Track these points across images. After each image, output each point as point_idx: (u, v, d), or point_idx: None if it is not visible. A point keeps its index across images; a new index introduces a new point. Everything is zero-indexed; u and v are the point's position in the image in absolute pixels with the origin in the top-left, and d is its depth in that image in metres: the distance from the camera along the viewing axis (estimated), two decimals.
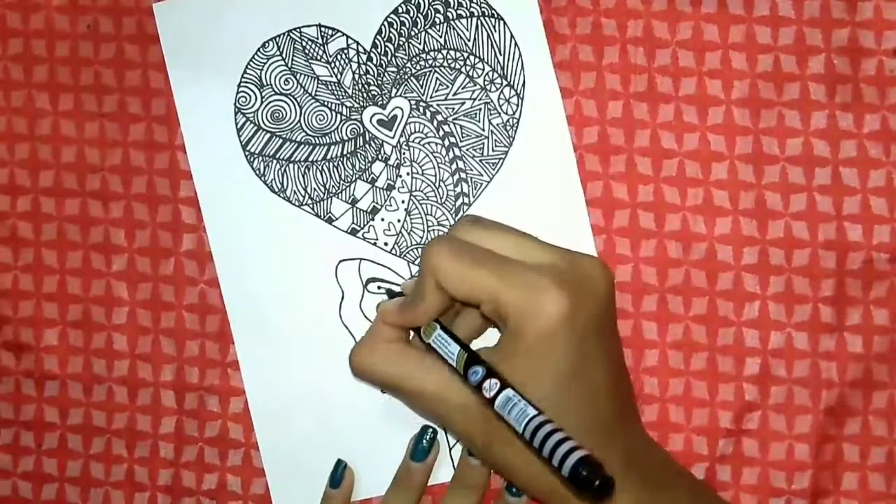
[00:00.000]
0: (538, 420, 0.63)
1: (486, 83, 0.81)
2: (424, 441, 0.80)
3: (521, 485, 0.75)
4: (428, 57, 0.82)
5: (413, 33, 0.82)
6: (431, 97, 0.82)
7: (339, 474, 0.81)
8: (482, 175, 0.81)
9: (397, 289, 0.80)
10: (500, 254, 0.70)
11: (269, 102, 0.83)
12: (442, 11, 0.82)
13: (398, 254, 0.82)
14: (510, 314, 0.68)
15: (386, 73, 0.82)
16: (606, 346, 0.72)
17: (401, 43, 0.82)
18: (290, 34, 0.83)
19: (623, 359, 0.76)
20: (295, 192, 0.82)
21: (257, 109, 0.83)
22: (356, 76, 0.83)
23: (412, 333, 0.76)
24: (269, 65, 0.83)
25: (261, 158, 0.83)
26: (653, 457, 0.75)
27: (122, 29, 0.84)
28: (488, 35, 0.81)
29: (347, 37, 0.83)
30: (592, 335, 0.69)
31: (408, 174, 0.82)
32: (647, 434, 0.76)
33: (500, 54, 0.81)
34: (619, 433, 0.71)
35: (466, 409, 0.70)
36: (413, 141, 0.82)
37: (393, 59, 0.82)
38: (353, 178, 0.82)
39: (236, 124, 0.83)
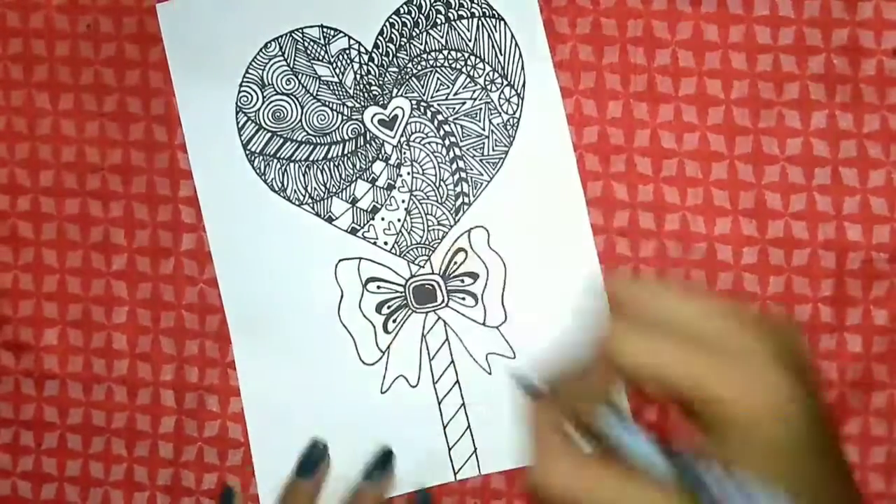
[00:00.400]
0: None
1: (487, 83, 0.82)
2: (313, 456, 0.81)
3: None
4: (429, 57, 0.82)
5: (414, 34, 0.82)
6: (432, 97, 0.82)
7: (314, 460, 0.81)
8: (482, 175, 0.81)
9: (534, 381, 0.63)
10: (682, 322, 0.56)
11: (271, 102, 0.83)
12: (443, 12, 0.82)
13: (398, 253, 0.82)
14: (724, 402, 0.53)
15: (387, 73, 0.82)
16: (822, 400, 0.58)
17: (402, 43, 0.82)
18: (292, 34, 0.83)
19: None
20: (295, 191, 0.83)
21: (259, 109, 0.83)
22: (357, 76, 0.83)
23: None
24: (271, 65, 0.83)
25: (261, 158, 0.83)
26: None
27: (123, 29, 0.84)
28: (489, 35, 0.82)
29: (349, 37, 0.83)
30: (814, 397, 0.56)
31: (408, 174, 0.82)
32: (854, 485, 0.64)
33: (501, 54, 0.81)
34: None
35: None
36: (414, 140, 0.82)
37: (394, 59, 0.82)
38: (354, 178, 0.82)
39: (237, 123, 0.83)
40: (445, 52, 0.82)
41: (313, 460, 0.80)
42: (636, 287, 0.58)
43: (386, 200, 0.82)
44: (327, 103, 0.83)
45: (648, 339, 0.55)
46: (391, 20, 0.83)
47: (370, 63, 0.83)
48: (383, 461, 0.80)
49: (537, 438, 0.60)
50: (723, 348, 0.54)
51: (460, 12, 0.82)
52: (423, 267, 0.82)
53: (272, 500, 0.82)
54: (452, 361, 0.82)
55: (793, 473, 0.53)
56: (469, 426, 0.81)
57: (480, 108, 0.82)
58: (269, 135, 0.83)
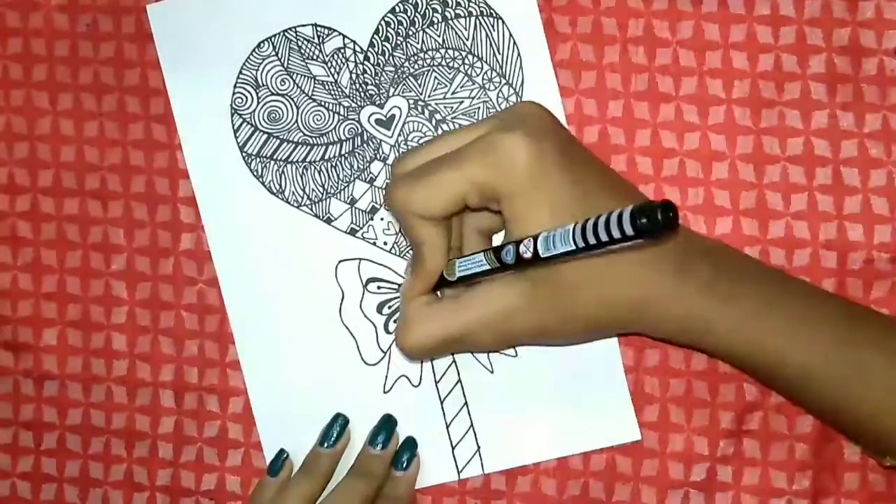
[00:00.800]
0: (578, 226, 0.62)
1: (485, 82, 0.81)
2: (335, 428, 0.81)
3: (606, 324, 0.73)
4: (426, 56, 0.82)
5: (411, 32, 0.82)
6: (430, 96, 0.82)
7: (338, 432, 0.81)
8: None
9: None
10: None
11: (266, 103, 0.83)
12: (440, 11, 0.82)
13: (398, 253, 0.82)
14: (491, 183, 0.68)
15: (383, 73, 0.82)
16: (589, 159, 0.73)
17: (398, 42, 0.82)
18: (286, 34, 0.83)
19: (609, 168, 0.75)
20: (293, 192, 0.82)
21: (254, 110, 0.83)
22: (353, 76, 0.82)
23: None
24: (265, 65, 0.83)
25: (258, 159, 0.83)
26: (703, 241, 0.75)
27: (122, 28, 0.84)
28: (487, 34, 0.81)
29: (344, 36, 0.83)
30: (569, 155, 0.70)
31: None
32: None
33: (499, 53, 0.81)
34: None
35: (526, 297, 0.70)
36: (411, 140, 0.82)
37: (390, 58, 0.82)
38: (352, 178, 0.82)
39: (233, 125, 0.83)
40: (443, 51, 0.82)
41: (336, 431, 0.80)
42: (404, 156, 0.73)
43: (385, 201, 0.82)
44: (323, 103, 0.82)
45: (409, 180, 0.70)
46: (387, 19, 0.82)
47: (366, 62, 0.82)
48: (386, 426, 0.80)
49: (400, 313, 0.76)
50: (463, 149, 0.70)
51: (457, 11, 0.82)
52: None
53: None
54: (454, 361, 0.82)
55: (558, 209, 0.68)
56: (472, 425, 0.81)
57: (479, 107, 0.81)
58: (265, 136, 0.83)
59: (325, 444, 0.80)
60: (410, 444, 0.81)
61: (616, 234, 0.59)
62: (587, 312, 0.71)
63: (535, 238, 0.65)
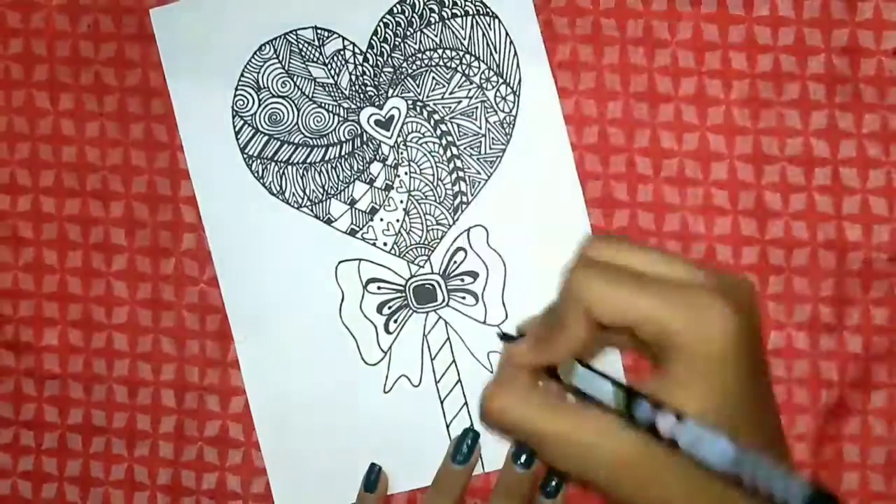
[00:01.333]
0: (735, 453, 0.57)
1: (483, 81, 0.81)
2: (466, 443, 0.80)
3: None
4: (424, 56, 0.82)
5: (408, 33, 0.82)
6: (428, 97, 0.82)
7: (374, 478, 0.81)
8: (480, 173, 0.81)
9: (511, 331, 0.73)
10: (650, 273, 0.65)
11: (267, 105, 0.83)
12: (437, 11, 0.82)
13: (398, 254, 0.82)
14: (679, 336, 0.61)
15: (382, 74, 0.82)
16: (765, 361, 0.67)
17: (396, 43, 0.82)
18: (286, 37, 0.83)
19: (773, 390, 0.69)
20: (294, 193, 0.83)
21: (255, 112, 0.83)
22: (353, 77, 0.83)
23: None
24: (266, 67, 0.83)
25: (259, 161, 0.83)
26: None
27: (123, 28, 0.84)
28: (484, 34, 0.82)
29: (343, 38, 0.83)
30: (756, 352, 0.64)
31: (406, 174, 0.82)
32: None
33: (496, 52, 0.81)
34: (785, 454, 0.67)
35: (631, 459, 0.62)
36: (410, 141, 0.82)
37: (389, 59, 0.82)
38: (352, 179, 0.82)
39: (234, 127, 0.83)
40: (440, 52, 0.82)
41: (467, 446, 0.79)
42: (601, 241, 0.67)
43: (384, 201, 0.82)
44: (323, 105, 0.83)
45: (606, 276, 0.63)
46: (385, 20, 0.82)
47: (365, 64, 0.83)
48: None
49: (499, 370, 0.70)
50: (674, 286, 0.63)
51: (454, 11, 0.82)
52: (423, 267, 0.82)
53: (285, 497, 0.83)
54: (454, 361, 0.82)
55: (727, 404, 0.61)
56: (472, 425, 0.81)
57: (477, 107, 0.82)
58: (266, 138, 0.83)
59: (457, 460, 0.80)
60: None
61: (768, 492, 0.55)
62: None
63: (681, 421, 0.59)
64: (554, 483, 0.79)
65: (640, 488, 0.63)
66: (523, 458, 0.78)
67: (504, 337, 0.72)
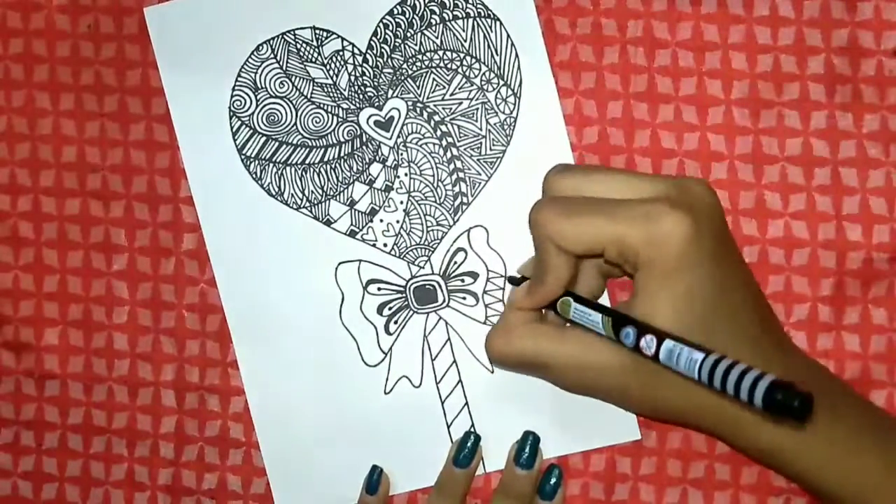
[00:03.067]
0: (710, 361, 0.62)
1: (483, 83, 0.81)
2: (467, 446, 0.80)
3: (684, 421, 0.75)
4: (424, 58, 0.82)
5: (409, 34, 0.82)
6: (428, 98, 0.82)
7: (375, 480, 0.81)
8: (480, 174, 0.81)
9: (517, 275, 0.80)
10: (607, 197, 0.71)
11: (265, 105, 0.83)
12: (438, 13, 0.82)
13: (398, 255, 0.82)
14: (638, 250, 0.68)
15: (382, 75, 0.82)
16: (736, 261, 0.73)
17: (397, 44, 0.82)
18: (284, 36, 0.83)
19: (753, 276, 0.75)
20: (292, 194, 0.82)
21: (252, 113, 0.83)
22: (352, 78, 0.83)
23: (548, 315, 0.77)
24: (264, 68, 0.83)
25: (257, 162, 0.83)
26: (818, 376, 0.75)
27: (123, 28, 0.84)
28: (485, 36, 0.81)
29: (342, 38, 0.83)
30: (721, 252, 0.70)
31: (406, 175, 0.82)
32: (806, 355, 0.77)
33: (497, 54, 0.81)
34: (772, 351, 0.71)
35: (621, 367, 0.70)
36: (410, 142, 0.82)
37: (389, 60, 0.82)
38: (351, 180, 0.82)
39: (231, 128, 0.83)
40: (441, 53, 0.82)
41: (468, 448, 0.80)
42: (562, 173, 0.74)
43: (384, 202, 0.82)
44: (322, 105, 0.83)
45: (560, 209, 0.70)
46: (385, 21, 0.82)
47: (364, 64, 0.83)
48: (531, 443, 0.80)
49: (502, 315, 0.77)
50: (626, 204, 0.69)
51: (455, 13, 0.82)
52: (424, 267, 0.82)
53: (285, 498, 0.83)
54: (455, 361, 0.82)
55: (696, 304, 0.68)
56: (472, 425, 0.81)
57: (477, 108, 0.81)
58: (263, 139, 0.83)
59: (459, 463, 0.80)
60: (557, 472, 0.80)
61: (744, 394, 0.59)
62: (675, 408, 0.72)
63: (660, 340, 0.66)
64: (552, 482, 0.79)
65: (632, 391, 0.72)
66: (525, 458, 0.78)
67: (512, 280, 0.80)
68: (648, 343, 0.66)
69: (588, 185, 0.72)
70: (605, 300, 0.79)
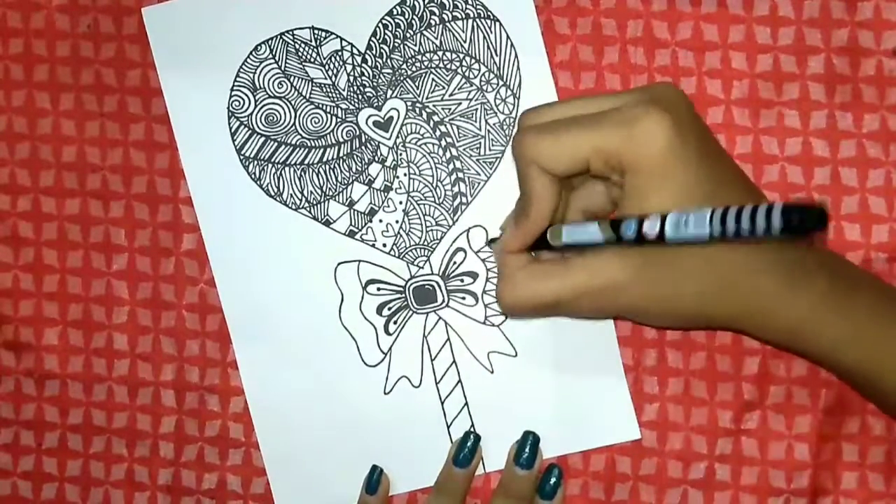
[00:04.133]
0: (719, 211, 0.61)
1: (483, 84, 0.81)
2: (467, 446, 0.80)
3: (704, 316, 0.72)
4: (423, 58, 0.82)
5: (408, 35, 0.82)
6: (427, 98, 0.82)
7: (375, 480, 0.81)
8: (479, 174, 0.81)
9: (495, 233, 0.80)
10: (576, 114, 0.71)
11: (263, 106, 0.83)
12: (437, 13, 0.82)
13: (397, 255, 0.82)
14: (621, 154, 0.68)
15: (381, 75, 0.82)
16: (720, 151, 0.73)
17: (396, 45, 0.82)
18: (283, 37, 0.83)
19: (740, 168, 0.75)
20: (291, 195, 0.82)
21: (251, 113, 0.83)
22: (351, 78, 0.83)
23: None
24: (262, 68, 0.83)
25: (256, 162, 0.83)
26: (831, 257, 0.75)
27: (123, 29, 0.84)
28: (484, 36, 0.81)
29: (341, 39, 0.83)
30: (705, 143, 0.70)
31: (405, 175, 0.82)
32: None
33: (496, 55, 0.81)
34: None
35: (633, 276, 0.70)
36: (410, 142, 0.82)
37: (388, 60, 0.82)
38: (350, 181, 0.82)
39: (230, 128, 0.83)
40: (440, 53, 0.82)
41: (468, 448, 0.80)
42: (534, 110, 0.74)
43: (383, 202, 0.82)
44: (321, 106, 0.83)
45: (541, 130, 0.70)
46: (384, 21, 0.82)
47: (363, 65, 0.82)
48: (531, 443, 0.80)
49: (499, 268, 0.76)
50: (603, 114, 0.69)
51: (455, 13, 0.82)
52: (423, 268, 0.82)
53: (285, 498, 0.83)
54: (454, 361, 0.82)
55: (687, 195, 0.68)
56: (472, 425, 0.81)
57: (476, 109, 0.81)
58: (262, 139, 0.83)
59: (458, 463, 0.80)
60: (557, 472, 0.80)
61: (761, 225, 0.58)
62: (694, 305, 0.71)
63: (663, 217, 0.64)
64: (552, 482, 0.79)
65: (650, 297, 0.71)
66: (524, 457, 0.78)
67: (492, 241, 0.81)
68: (652, 223, 0.65)
69: (562, 111, 0.72)
70: None
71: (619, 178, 0.69)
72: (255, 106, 0.83)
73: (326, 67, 0.83)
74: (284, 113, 0.83)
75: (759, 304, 0.70)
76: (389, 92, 0.82)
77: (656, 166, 0.67)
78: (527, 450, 0.79)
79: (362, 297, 0.82)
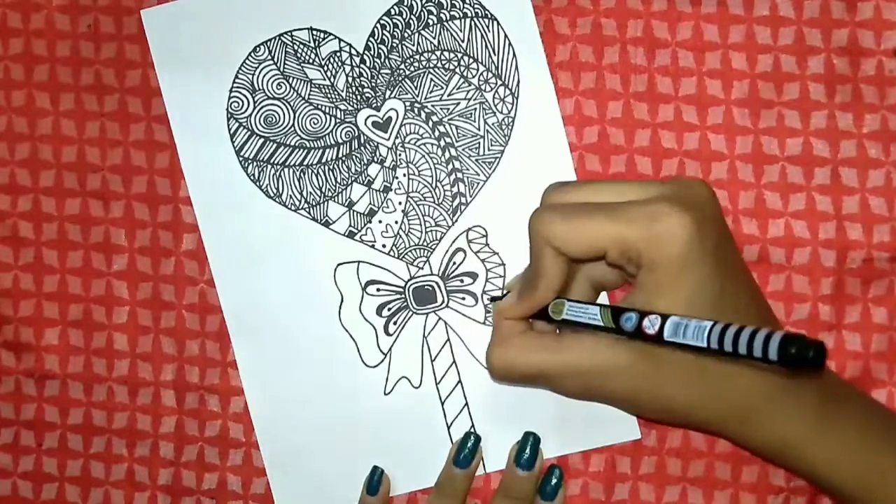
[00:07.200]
0: (719, 327, 0.61)
1: (481, 83, 0.81)
2: (468, 447, 0.80)
3: (689, 420, 0.74)
4: (422, 58, 0.82)
5: (406, 35, 0.82)
6: (426, 98, 0.82)
7: (376, 481, 0.81)
8: (478, 175, 0.81)
9: (497, 293, 0.81)
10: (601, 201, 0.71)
11: (262, 107, 0.83)
12: (435, 13, 0.82)
13: (396, 255, 0.82)
14: (640, 249, 0.68)
15: (380, 76, 0.82)
16: (737, 261, 0.73)
17: (394, 45, 0.82)
18: (282, 38, 0.83)
19: (752, 276, 0.75)
20: (291, 196, 0.82)
21: (250, 114, 0.83)
22: (349, 79, 0.82)
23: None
24: (261, 69, 0.83)
25: (255, 163, 0.83)
26: (823, 374, 0.75)
27: (123, 29, 0.84)
28: (482, 35, 0.81)
29: (340, 39, 0.83)
30: (722, 251, 0.70)
31: (404, 175, 0.82)
32: None
33: (494, 54, 0.81)
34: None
35: (624, 366, 0.70)
36: (409, 142, 0.82)
37: (386, 61, 0.82)
38: (350, 181, 0.82)
39: (229, 130, 0.83)
40: (438, 53, 0.82)
41: (468, 449, 0.80)
42: (559, 187, 0.74)
43: (383, 203, 0.82)
44: (319, 107, 0.83)
45: (562, 212, 0.70)
46: (382, 21, 0.82)
47: (362, 65, 0.82)
48: (531, 444, 0.80)
49: (494, 329, 0.77)
50: (626, 205, 0.69)
51: (452, 13, 0.82)
52: (423, 268, 0.82)
53: (285, 498, 0.83)
54: (454, 362, 0.82)
55: (698, 301, 0.68)
56: (473, 426, 0.81)
57: (475, 109, 0.81)
58: (261, 140, 0.83)
59: (459, 463, 0.80)
60: (558, 473, 0.80)
61: (757, 351, 0.59)
62: (683, 406, 0.72)
63: (664, 318, 0.65)
64: (553, 483, 0.79)
65: (638, 390, 0.71)
66: (525, 458, 0.78)
67: (493, 299, 0.80)
68: (652, 322, 0.65)
69: (586, 194, 0.72)
70: None
71: (633, 269, 0.70)
72: (254, 107, 0.83)
73: (325, 68, 0.83)
74: (283, 114, 0.83)
75: (747, 416, 0.71)
76: (388, 92, 0.82)
77: (672, 266, 0.67)
78: (527, 451, 0.79)
79: (362, 298, 0.82)
